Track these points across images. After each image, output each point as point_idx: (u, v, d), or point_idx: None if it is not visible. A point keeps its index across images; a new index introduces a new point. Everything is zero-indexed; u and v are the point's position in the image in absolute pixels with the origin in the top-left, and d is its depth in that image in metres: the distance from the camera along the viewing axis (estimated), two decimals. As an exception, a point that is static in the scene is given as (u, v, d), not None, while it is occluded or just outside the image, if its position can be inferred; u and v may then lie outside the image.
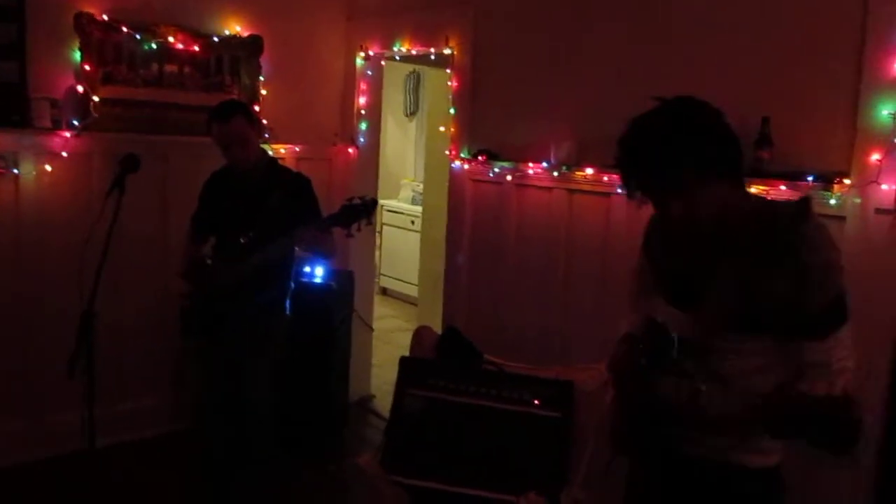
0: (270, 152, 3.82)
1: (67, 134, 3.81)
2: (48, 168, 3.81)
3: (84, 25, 3.84)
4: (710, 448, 1.79)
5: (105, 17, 3.90)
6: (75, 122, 3.83)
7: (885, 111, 2.51)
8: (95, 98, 3.89)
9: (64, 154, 3.83)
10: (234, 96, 4.27)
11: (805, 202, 1.69)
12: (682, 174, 1.67)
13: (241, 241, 3.21)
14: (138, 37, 4.02)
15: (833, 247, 1.66)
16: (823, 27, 2.72)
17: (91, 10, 3.86)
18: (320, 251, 3.37)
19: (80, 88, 3.85)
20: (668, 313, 1.86)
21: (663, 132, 1.70)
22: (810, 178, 2.65)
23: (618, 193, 3.35)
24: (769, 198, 2.02)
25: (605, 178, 3.39)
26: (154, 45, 4.08)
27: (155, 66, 4.12)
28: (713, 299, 1.72)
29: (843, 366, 1.66)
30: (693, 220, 1.73)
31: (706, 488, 1.82)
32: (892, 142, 2.50)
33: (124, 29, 3.96)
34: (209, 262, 3.35)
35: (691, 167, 1.66)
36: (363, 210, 3.08)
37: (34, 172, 3.78)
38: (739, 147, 1.72)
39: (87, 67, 3.87)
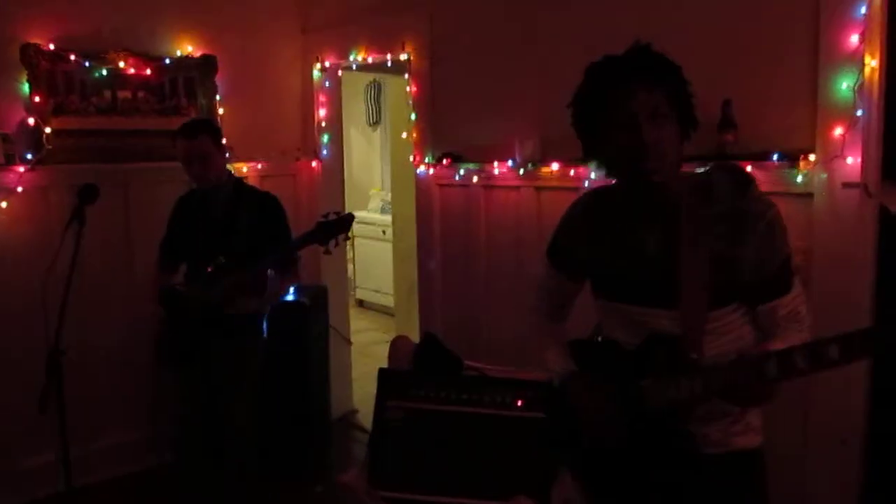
0: (233, 172, 3.76)
1: (21, 169, 3.72)
2: (3, 205, 3.71)
3: (31, 57, 3.75)
4: (718, 439, 1.74)
5: (52, 47, 3.81)
6: (29, 156, 3.74)
7: (844, 85, 2.51)
8: (48, 130, 3.80)
9: (19, 189, 3.74)
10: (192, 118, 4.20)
11: (731, 167, 1.73)
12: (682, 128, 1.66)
13: (208, 269, 3.17)
14: (88, 65, 3.93)
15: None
16: (778, 5, 2.71)
17: (37, 40, 3.78)
18: (289, 278, 3.34)
19: (31, 121, 3.77)
20: (637, 315, 1.77)
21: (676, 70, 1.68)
22: (775, 157, 2.64)
23: (585, 188, 3.33)
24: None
25: (572, 173, 3.37)
26: (105, 72, 3.99)
27: (107, 94, 4.04)
28: (694, 281, 1.65)
29: (805, 312, 1.71)
30: (668, 189, 1.67)
31: (721, 479, 1.75)
32: (854, 115, 2.50)
33: (73, 58, 3.88)
34: (180, 289, 3.30)
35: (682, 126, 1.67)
36: (339, 225, 3.07)
37: (-11, 210, 3.69)
38: None
39: (36, 99, 3.78)
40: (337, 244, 3.09)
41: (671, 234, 1.68)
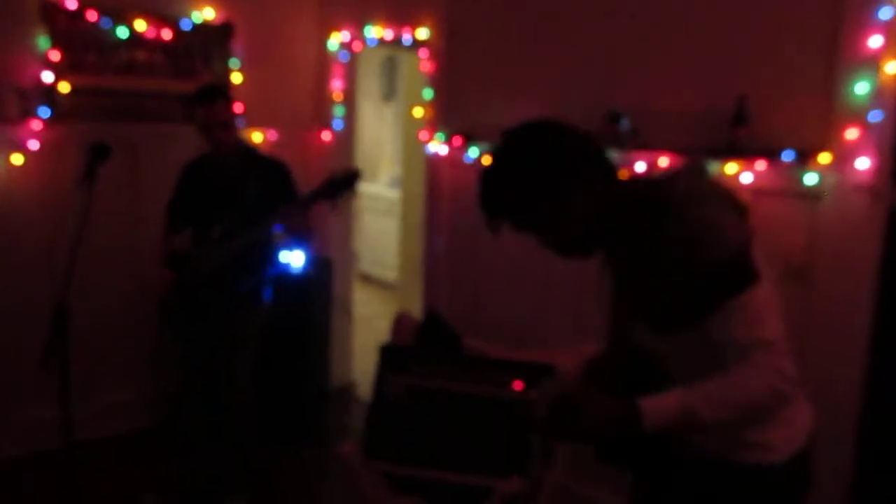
0: (245, 139, 3.77)
1: (36, 124, 3.73)
2: (16, 160, 3.73)
3: (50, 13, 3.76)
4: (714, 448, 1.68)
5: (72, 5, 3.81)
6: (43, 112, 3.75)
7: (860, 87, 2.51)
8: (64, 87, 3.81)
9: (33, 145, 3.75)
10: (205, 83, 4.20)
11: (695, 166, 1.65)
12: (546, 210, 1.61)
13: (213, 235, 3.19)
14: (107, 24, 3.93)
15: (711, 201, 1.46)
16: (800, 3, 2.70)
17: (57, -3, 3.78)
18: (301, 232, 3.35)
19: (47, 77, 3.77)
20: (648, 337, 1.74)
21: (512, 178, 1.69)
22: (786, 156, 2.64)
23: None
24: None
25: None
26: (124, 33, 4.00)
27: (125, 54, 4.04)
28: (622, 308, 1.70)
29: (759, 338, 1.44)
30: (586, 244, 1.65)
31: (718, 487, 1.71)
32: (869, 119, 2.50)
33: (92, 16, 3.88)
34: (187, 251, 3.32)
35: (550, 200, 1.59)
36: (346, 181, 3.10)
37: (2, 164, 3.70)
38: (602, 155, 1.60)
39: (54, 56, 3.78)
40: (344, 200, 3.12)
41: (620, 258, 1.69)
